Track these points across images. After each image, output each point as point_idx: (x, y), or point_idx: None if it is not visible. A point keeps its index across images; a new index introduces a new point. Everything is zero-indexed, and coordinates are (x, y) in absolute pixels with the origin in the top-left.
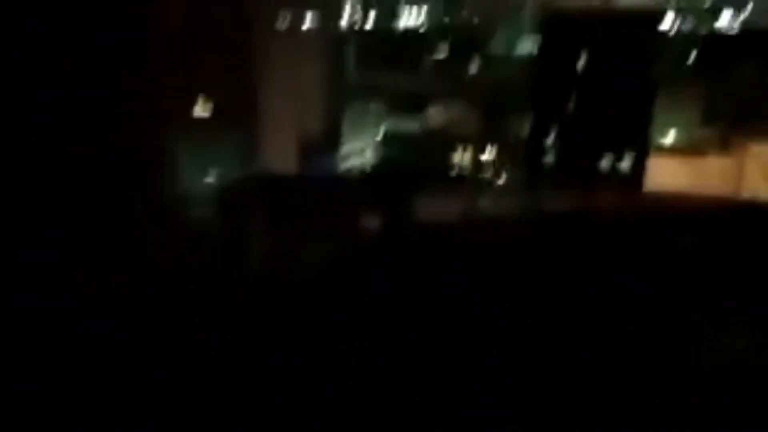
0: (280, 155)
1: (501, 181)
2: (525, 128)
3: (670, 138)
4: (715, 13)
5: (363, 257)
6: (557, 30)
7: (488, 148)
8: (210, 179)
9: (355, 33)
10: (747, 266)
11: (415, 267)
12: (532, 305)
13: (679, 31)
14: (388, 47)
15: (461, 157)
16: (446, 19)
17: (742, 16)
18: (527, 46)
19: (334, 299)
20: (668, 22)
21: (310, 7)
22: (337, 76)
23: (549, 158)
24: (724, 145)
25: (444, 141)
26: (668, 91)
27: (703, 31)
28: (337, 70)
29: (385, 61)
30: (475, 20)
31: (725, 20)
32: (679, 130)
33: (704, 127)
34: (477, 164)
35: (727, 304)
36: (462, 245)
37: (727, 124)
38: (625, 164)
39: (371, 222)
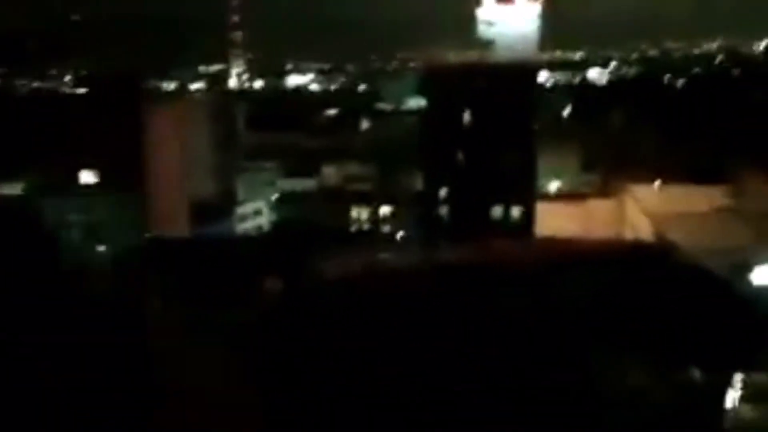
0: (173, 219)
1: (398, 236)
2: (417, 182)
3: (554, 185)
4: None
5: (263, 320)
6: (440, 85)
7: (383, 203)
8: (100, 247)
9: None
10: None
11: (317, 326)
12: (433, 358)
13: (555, 82)
14: (279, 107)
15: (358, 214)
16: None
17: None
18: (414, 102)
19: (235, 364)
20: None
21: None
22: (229, 137)
23: (442, 210)
24: (605, 189)
25: (340, 199)
26: (549, 139)
27: (576, 82)
28: (228, 131)
29: (277, 120)
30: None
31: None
32: (562, 177)
33: (585, 172)
34: (374, 220)
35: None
36: (363, 302)
37: (605, 168)
38: (515, 212)
39: (270, 284)
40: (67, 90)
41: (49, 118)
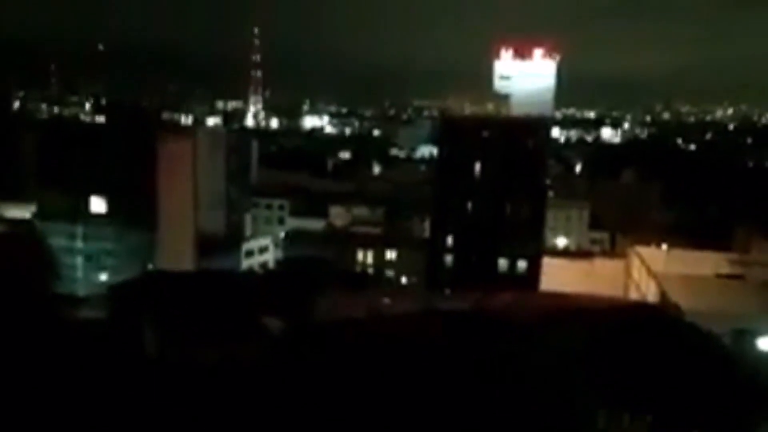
0: (178, 252)
1: (403, 280)
2: (425, 229)
3: (561, 241)
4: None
5: (265, 356)
6: (453, 135)
7: (390, 247)
8: (106, 277)
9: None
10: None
11: (318, 365)
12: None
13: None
14: (292, 148)
15: (364, 257)
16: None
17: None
18: (427, 150)
19: (233, 399)
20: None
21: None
22: (241, 173)
23: (448, 258)
24: (612, 247)
25: (347, 240)
26: (559, 195)
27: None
28: (241, 167)
29: (290, 159)
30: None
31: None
32: (570, 233)
33: (593, 230)
34: (380, 263)
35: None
36: (365, 344)
37: (613, 227)
38: (521, 265)
39: (273, 320)
40: (86, 117)
41: (64, 144)
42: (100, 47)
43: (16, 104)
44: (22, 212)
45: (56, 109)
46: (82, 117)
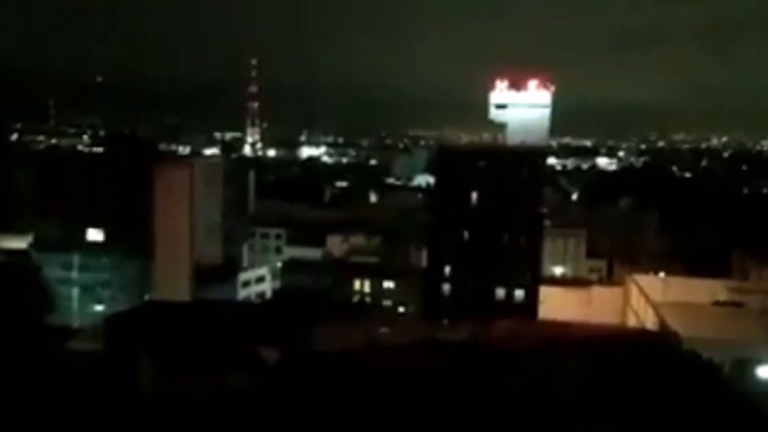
0: (175, 282)
1: (401, 310)
2: (422, 258)
3: (559, 269)
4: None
5: (262, 387)
6: (450, 165)
7: (387, 277)
8: (103, 308)
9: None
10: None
11: (315, 396)
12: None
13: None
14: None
15: (361, 286)
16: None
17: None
18: (423, 179)
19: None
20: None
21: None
22: (239, 203)
23: (445, 287)
24: (610, 276)
25: (344, 270)
26: (556, 223)
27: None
28: (238, 197)
29: (287, 189)
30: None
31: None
32: (568, 262)
33: (590, 259)
34: (377, 293)
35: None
36: (362, 374)
37: (611, 255)
38: (518, 294)
39: (270, 350)
40: (83, 148)
41: (61, 174)
42: (98, 79)
43: (14, 136)
44: (19, 243)
45: (53, 141)
46: (80, 148)
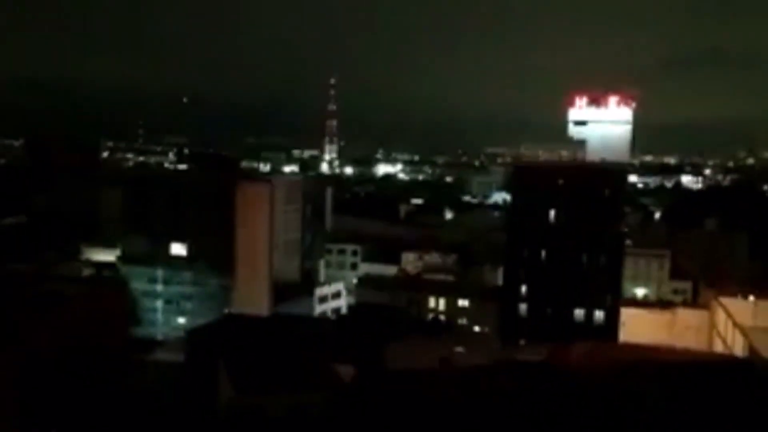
0: (256, 297)
1: (476, 329)
2: (498, 277)
3: (641, 291)
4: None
5: (336, 404)
6: (527, 182)
7: (462, 296)
8: (184, 320)
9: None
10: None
11: (390, 414)
12: None
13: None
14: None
15: (436, 304)
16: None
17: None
18: (500, 197)
19: None
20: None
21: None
22: (316, 220)
23: (522, 308)
24: (695, 298)
25: (419, 287)
26: (637, 244)
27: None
28: (316, 213)
29: (364, 206)
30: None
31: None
32: (650, 283)
33: (674, 280)
34: (452, 311)
35: None
36: (437, 393)
37: (696, 277)
38: (598, 315)
39: (346, 367)
40: (169, 165)
41: (148, 190)
42: (184, 100)
43: (105, 154)
44: (107, 255)
45: (141, 158)
46: (166, 165)
